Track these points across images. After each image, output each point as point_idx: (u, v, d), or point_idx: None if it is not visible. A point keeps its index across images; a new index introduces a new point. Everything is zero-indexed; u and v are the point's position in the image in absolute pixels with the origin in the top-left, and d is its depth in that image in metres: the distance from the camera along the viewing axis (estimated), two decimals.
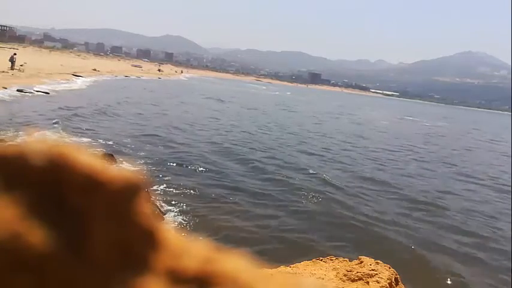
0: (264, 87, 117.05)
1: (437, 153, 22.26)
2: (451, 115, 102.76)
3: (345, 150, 18.73)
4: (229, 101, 41.78)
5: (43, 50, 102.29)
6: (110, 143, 12.82)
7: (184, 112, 25.19)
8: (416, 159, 18.85)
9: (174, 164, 11.46)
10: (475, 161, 21.11)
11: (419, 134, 32.68)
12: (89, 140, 12.86)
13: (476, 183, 14.98)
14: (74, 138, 12.19)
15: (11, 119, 13.84)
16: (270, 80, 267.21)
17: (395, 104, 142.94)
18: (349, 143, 21.40)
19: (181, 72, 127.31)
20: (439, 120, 62.16)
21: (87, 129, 14.61)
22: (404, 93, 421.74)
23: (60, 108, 18.01)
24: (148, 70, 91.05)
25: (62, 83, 29.05)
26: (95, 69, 51.19)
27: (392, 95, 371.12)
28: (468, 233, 9.34)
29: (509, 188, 14.29)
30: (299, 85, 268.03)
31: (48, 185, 0.24)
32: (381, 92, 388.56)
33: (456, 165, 18.52)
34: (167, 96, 36.12)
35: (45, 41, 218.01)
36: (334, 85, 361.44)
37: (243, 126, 22.05)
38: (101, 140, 12.98)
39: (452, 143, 29.15)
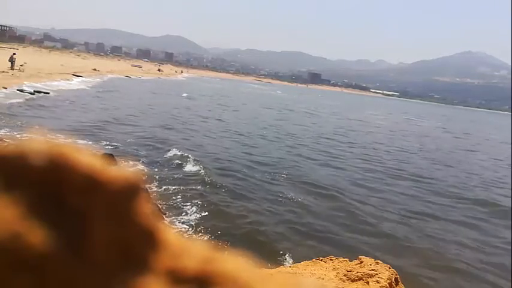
0: (257, 86, 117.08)
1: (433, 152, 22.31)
2: (450, 115, 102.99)
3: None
4: (217, 98, 42.17)
5: (43, 50, 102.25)
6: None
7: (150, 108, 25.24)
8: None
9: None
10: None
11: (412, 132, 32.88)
12: (88, 140, 12.86)
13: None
14: (74, 139, 12.20)
15: (9, 119, 13.84)
16: (270, 80, 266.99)
17: (394, 104, 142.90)
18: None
19: (181, 72, 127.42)
20: (437, 120, 62.44)
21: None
22: (404, 93, 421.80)
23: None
24: (148, 70, 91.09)
25: (62, 83, 29.06)
26: (95, 69, 51.21)
27: (392, 95, 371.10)
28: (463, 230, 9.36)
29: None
30: (299, 85, 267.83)
31: (48, 185, 0.24)
32: (381, 92, 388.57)
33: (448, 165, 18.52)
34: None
35: (45, 41, 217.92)
36: (334, 85, 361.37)
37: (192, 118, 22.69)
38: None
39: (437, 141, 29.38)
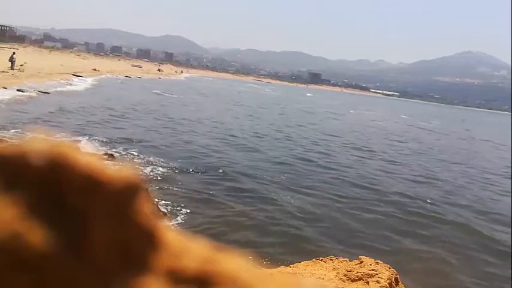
0: (252, 85, 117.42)
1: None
2: (445, 114, 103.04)
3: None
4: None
5: (43, 50, 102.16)
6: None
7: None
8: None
9: None
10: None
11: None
12: (89, 139, 12.87)
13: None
14: (74, 138, 12.20)
15: (11, 119, 13.84)
16: (270, 80, 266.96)
17: (391, 103, 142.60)
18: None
19: (181, 72, 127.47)
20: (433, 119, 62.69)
21: None
22: (404, 93, 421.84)
23: None
24: (148, 70, 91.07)
25: (62, 83, 29.05)
26: (95, 69, 51.21)
27: (392, 95, 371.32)
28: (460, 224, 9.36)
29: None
30: (299, 85, 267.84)
31: (48, 185, 0.24)
32: (381, 92, 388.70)
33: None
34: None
35: (45, 41, 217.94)
36: (334, 85, 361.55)
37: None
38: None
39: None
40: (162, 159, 11.68)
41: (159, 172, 10.54)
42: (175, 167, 11.09)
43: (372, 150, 19.41)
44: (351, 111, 52.40)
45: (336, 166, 14.49)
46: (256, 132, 20.33)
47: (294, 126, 25.50)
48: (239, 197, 9.53)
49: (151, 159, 11.60)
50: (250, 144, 16.67)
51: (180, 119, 21.41)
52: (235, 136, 18.25)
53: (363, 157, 17.27)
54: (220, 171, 11.50)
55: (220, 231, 7.51)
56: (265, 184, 10.93)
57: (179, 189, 9.33)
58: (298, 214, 8.96)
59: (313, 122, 30.56)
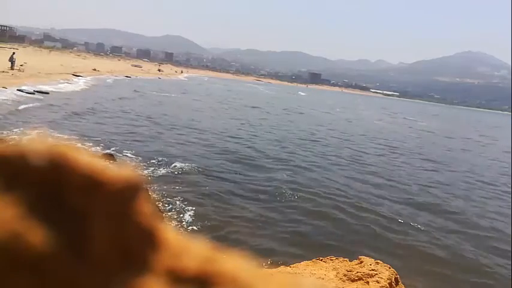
0: (249, 85, 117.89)
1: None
2: (442, 113, 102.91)
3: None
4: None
5: (43, 50, 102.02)
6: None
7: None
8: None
9: None
10: None
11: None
12: (88, 139, 12.86)
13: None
14: (73, 137, 12.19)
15: (10, 119, 13.84)
16: (269, 80, 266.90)
17: (389, 103, 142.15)
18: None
19: (181, 72, 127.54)
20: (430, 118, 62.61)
21: None
22: (404, 93, 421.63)
23: None
24: (148, 70, 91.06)
25: (62, 83, 29.04)
26: (95, 69, 51.25)
27: (392, 95, 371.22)
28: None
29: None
30: (299, 85, 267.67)
31: (48, 185, 0.24)
32: (380, 92, 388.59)
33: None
34: None
35: (45, 41, 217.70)
36: (334, 85, 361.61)
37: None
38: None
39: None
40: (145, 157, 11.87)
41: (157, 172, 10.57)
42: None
43: (353, 148, 19.58)
44: (337, 110, 53.08)
45: (314, 164, 14.47)
46: (256, 133, 20.39)
47: (276, 125, 25.56)
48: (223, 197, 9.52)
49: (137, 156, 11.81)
50: (233, 144, 16.69)
51: (171, 117, 21.56)
52: (206, 134, 17.96)
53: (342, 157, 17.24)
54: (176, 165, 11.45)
55: (220, 232, 7.52)
56: (247, 183, 10.89)
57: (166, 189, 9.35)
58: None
59: (293, 119, 30.61)
